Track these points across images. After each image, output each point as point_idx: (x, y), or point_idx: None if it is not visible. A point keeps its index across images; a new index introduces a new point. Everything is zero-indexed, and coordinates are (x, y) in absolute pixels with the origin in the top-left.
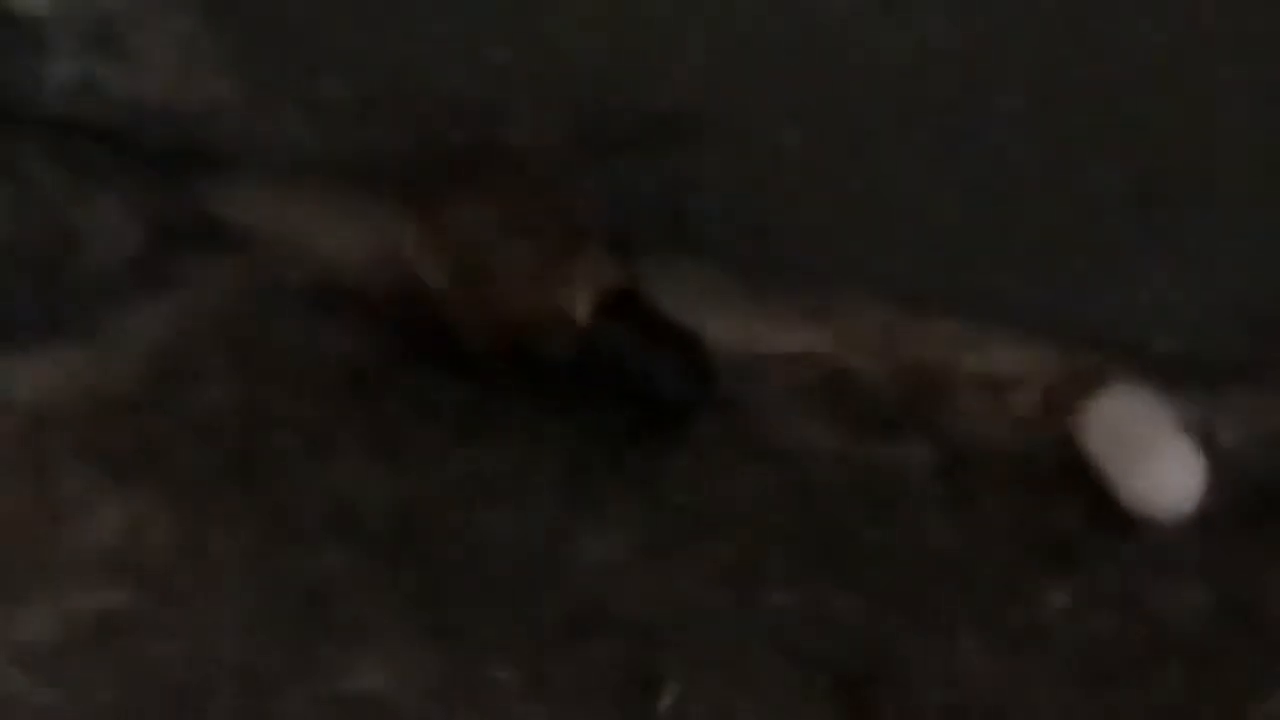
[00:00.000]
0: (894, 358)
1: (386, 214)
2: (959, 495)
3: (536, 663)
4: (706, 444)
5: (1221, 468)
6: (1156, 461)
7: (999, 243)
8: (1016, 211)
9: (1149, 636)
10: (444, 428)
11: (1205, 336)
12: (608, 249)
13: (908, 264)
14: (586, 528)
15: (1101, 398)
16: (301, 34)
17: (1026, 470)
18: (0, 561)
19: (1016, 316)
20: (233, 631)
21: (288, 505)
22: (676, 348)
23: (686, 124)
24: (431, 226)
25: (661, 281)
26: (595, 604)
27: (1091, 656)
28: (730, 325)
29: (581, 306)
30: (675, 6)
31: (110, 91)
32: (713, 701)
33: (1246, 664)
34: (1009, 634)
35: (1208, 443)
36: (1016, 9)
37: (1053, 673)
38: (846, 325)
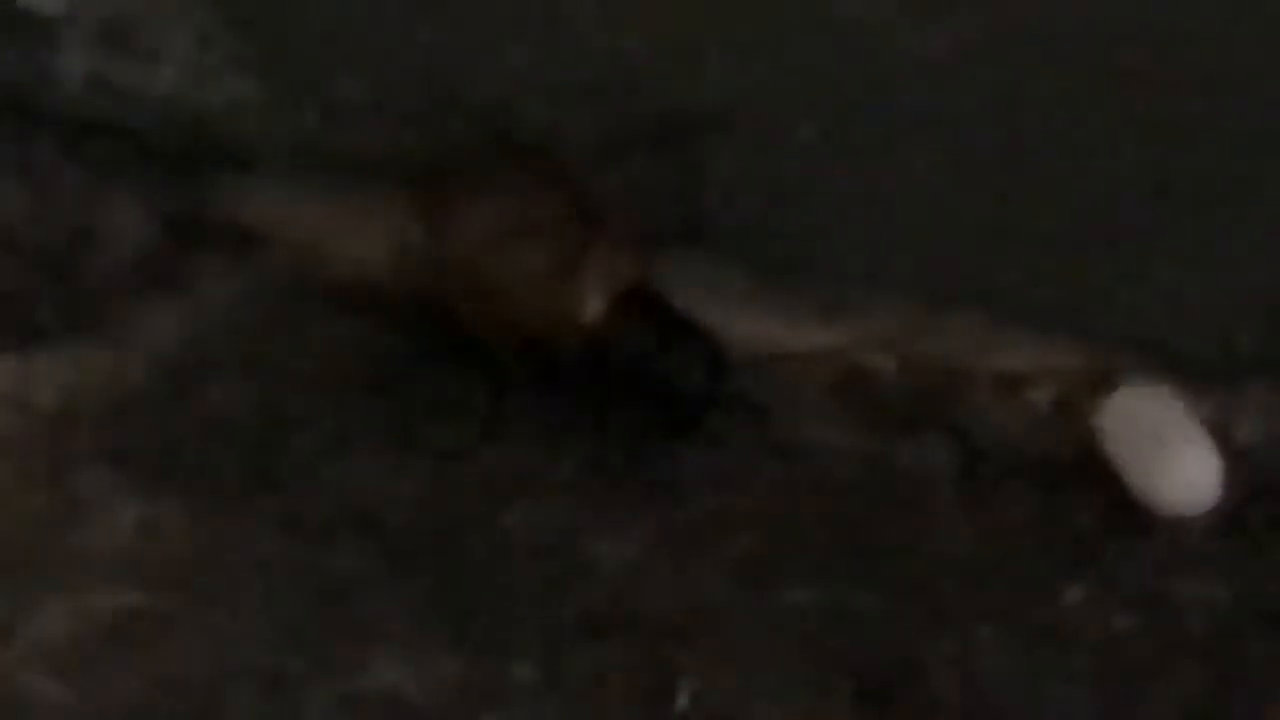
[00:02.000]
0: (911, 355)
1: (403, 213)
2: (977, 493)
3: (554, 661)
4: (723, 442)
5: (1240, 464)
6: (1175, 459)
7: (1016, 240)
8: (1034, 208)
9: (1169, 634)
10: (461, 427)
11: (1224, 333)
12: (623, 246)
13: (925, 261)
14: (603, 526)
15: (1119, 395)
16: (319, 32)
17: (1044, 468)
18: (16, 560)
19: (1034, 314)
20: (250, 630)
21: (305, 504)
22: (692, 345)
23: (703, 121)
24: (444, 227)
25: (677, 279)
26: (613, 602)
27: (1111, 655)
28: (747, 323)
29: (596, 305)
30: (692, 3)
31: (125, 89)
32: (730, 699)
33: (1267, 662)
34: (1028, 632)
35: (1226, 439)
36: (1036, 7)
37: (1072, 671)
38: (863, 323)
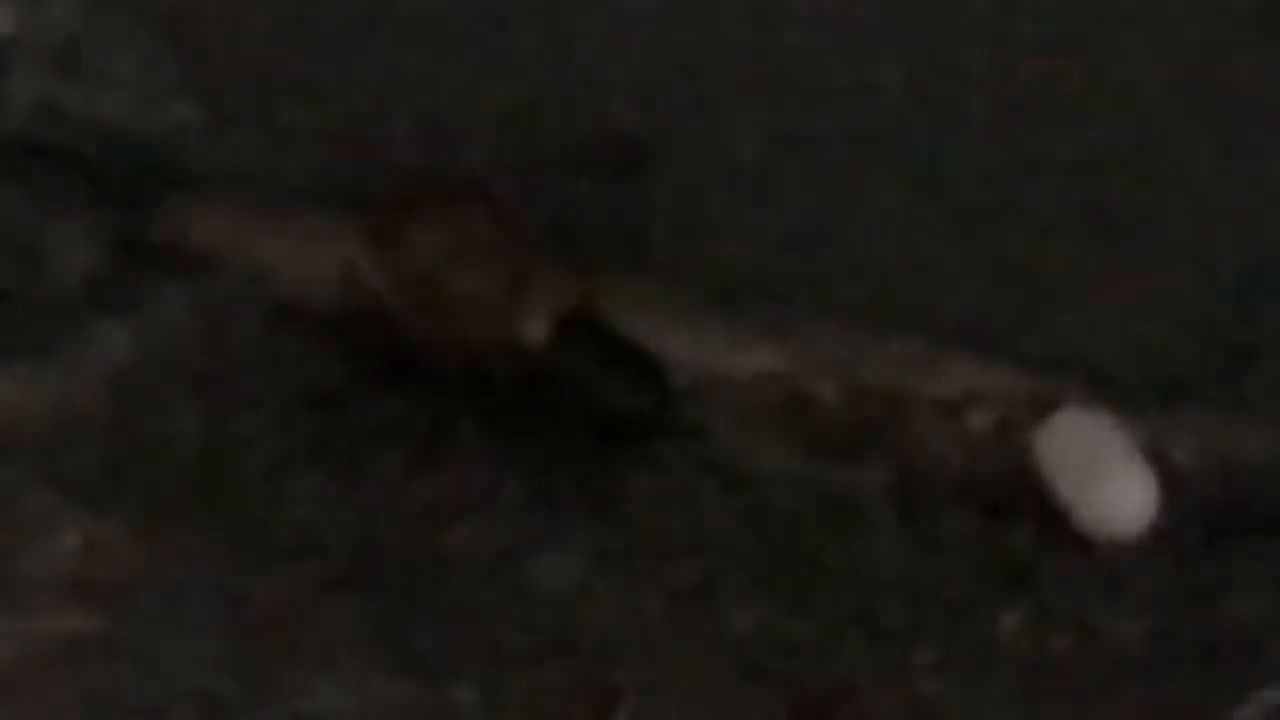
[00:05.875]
0: (851, 379)
1: (347, 237)
2: (915, 517)
3: (496, 683)
4: (664, 465)
5: (1175, 489)
6: (1110, 483)
7: (956, 266)
8: (972, 234)
9: (1102, 658)
10: (404, 450)
11: (1158, 358)
12: (566, 271)
13: (865, 286)
14: (545, 549)
15: (1056, 419)
16: (262, 57)
17: (982, 492)
18: None
19: (972, 339)
20: (194, 654)
21: (248, 528)
22: (633, 369)
23: (644, 145)
24: (388, 251)
25: (619, 302)
26: (554, 625)
27: (1046, 678)
28: (687, 346)
29: (538, 328)
30: (632, 29)
31: (71, 113)
32: None
33: (1199, 685)
34: (964, 655)
35: (1161, 464)
36: (971, 39)
37: (1007, 694)
38: (803, 346)
